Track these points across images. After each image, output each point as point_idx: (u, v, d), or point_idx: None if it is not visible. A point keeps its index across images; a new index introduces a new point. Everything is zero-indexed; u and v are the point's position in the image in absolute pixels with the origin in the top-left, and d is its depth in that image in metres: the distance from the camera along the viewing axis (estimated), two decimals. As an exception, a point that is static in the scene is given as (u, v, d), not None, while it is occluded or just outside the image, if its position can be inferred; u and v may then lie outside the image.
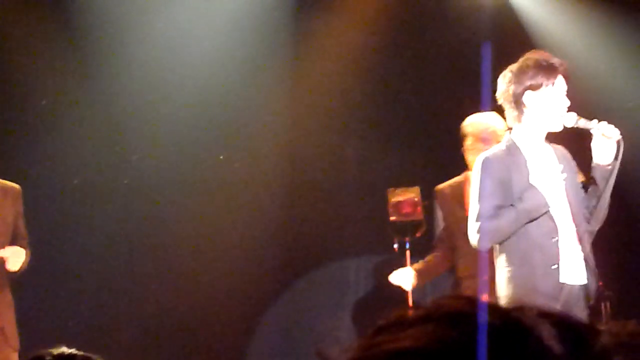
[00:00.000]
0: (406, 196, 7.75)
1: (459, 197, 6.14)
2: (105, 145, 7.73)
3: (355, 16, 8.03)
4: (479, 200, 4.56)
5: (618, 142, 4.50)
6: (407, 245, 7.69)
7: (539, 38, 7.94)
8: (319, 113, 8.02)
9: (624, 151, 4.63)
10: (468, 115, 7.99)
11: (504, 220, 4.45)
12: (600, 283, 7.57)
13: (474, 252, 4.99)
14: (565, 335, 0.77)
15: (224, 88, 7.79)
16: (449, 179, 8.09)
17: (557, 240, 4.44)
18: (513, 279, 4.47)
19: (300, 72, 8.05)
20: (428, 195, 7.83)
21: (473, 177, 4.81)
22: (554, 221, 4.44)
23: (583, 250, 4.51)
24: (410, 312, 0.84)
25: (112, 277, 7.61)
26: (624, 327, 0.90)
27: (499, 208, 4.48)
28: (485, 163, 4.62)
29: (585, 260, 4.51)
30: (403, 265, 7.66)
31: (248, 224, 7.88)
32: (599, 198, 4.53)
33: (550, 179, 4.54)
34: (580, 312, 4.48)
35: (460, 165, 8.11)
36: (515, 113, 4.58)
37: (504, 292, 4.47)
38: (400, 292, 6.73)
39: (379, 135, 8.19)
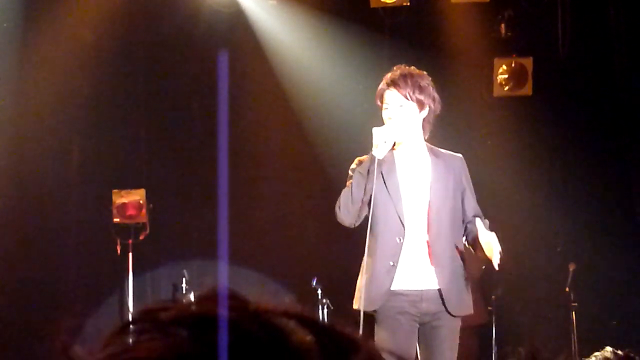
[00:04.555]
0: (131, 198, 7.66)
1: None
2: None
3: (87, 14, 7.88)
4: None
5: None
6: (130, 248, 7.61)
7: (270, 45, 8.10)
8: (46, 109, 7.80)
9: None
10: (204, 119, 8.00)
11: (347, 188, 4.55)
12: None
13: None
14: (325, 346, 0.76)
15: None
16: (176, 180, 8.08)
17: (402, 243, 4.47)
18: (363, 269, 4.56)
19: (28, 62, 7.82)
20: (153, 198, 7.76)
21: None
22: (402, 224, 4.47)
23: (434, 258, 4.50)
24: (164, 310, 0.80)
25: None
26: None
27: None
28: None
29: (438, 266, 4.50)
30: (126, 267, 7.57)
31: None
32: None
33: (412, 186, 4.56)
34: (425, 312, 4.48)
35: (186, 168, 8.12)
36: None
37: (359, 281, 4.55)
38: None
39: (106, 135, 8.03)
